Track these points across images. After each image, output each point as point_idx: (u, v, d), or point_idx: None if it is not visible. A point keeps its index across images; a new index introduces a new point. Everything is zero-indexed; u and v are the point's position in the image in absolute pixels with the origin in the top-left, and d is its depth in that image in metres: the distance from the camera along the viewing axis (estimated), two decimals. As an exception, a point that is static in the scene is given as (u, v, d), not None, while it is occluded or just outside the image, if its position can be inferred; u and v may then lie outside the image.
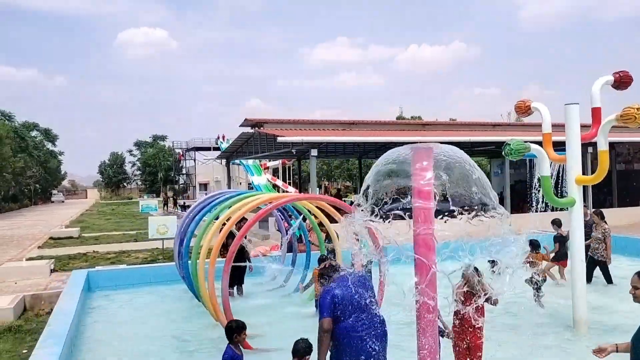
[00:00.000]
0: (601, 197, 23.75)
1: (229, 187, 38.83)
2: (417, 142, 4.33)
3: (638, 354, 4.02)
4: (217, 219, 9.22)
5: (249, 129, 25.22)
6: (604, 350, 4.22)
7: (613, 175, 24.04)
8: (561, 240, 10.89)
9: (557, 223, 11.16)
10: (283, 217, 12.56)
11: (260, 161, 62.61)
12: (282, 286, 11.33)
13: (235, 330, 5.12)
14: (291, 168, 74.66)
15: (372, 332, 4.58)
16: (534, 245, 9.93)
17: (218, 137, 72.77)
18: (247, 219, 9.21)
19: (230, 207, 9.08)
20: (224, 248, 10.34)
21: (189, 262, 9.48)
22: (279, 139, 17.82)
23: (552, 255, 10.90)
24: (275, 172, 68.20)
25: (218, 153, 78.74)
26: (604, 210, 11.80)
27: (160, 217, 19.03)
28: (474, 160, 4.39)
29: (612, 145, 23.00)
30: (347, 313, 4.54)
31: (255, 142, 24.69)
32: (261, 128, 24.14)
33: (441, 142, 4.60)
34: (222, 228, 8.72)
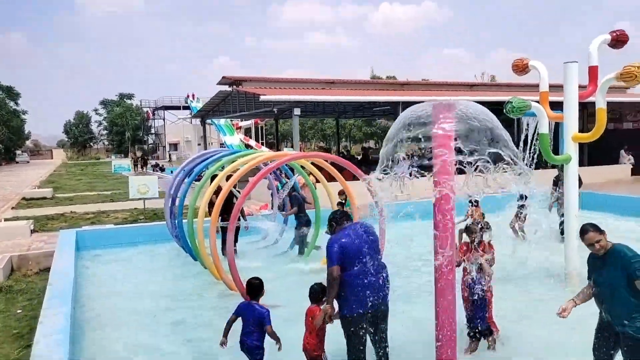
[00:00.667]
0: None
1: (205, 148, 38.32)
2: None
3: (599, 290, 4.48)
4: (213, 178, 9.10)
5: (226, 87, 24.75)
6: (565, 310, 4.56)
7: None
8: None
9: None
10: (275, 177, 12.51)
11: (232, 121, 61.96)
12: (276, 243, 11.37)
13: (261, 287, 5.17)
14: (264, 128, 73.99)
15: (375, 279, 4.89)
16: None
17: (188, 96, 71.27)
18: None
19: (224, 167, 8.98)
20: (212, 206, 10.34)
21: (184, 221, 9.39)
22: (262, 97, 17.54)
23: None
24: (247, 132, 67.51)
25: (188, 112, 77.91)
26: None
27: (140, 177, 18.67)
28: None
29: (584, 105, 23.35)
30: (353, 261, 4.84)
31: (233, 100, 24.28)
32: (240, 86, 23.71)
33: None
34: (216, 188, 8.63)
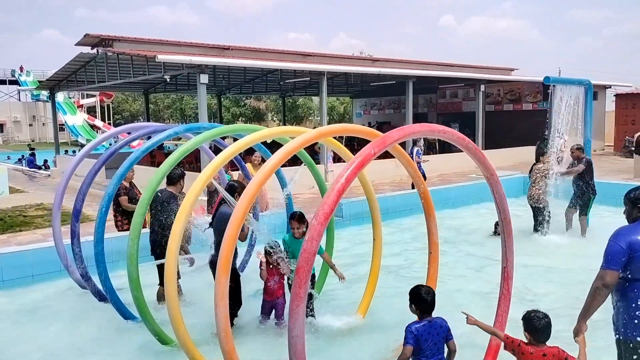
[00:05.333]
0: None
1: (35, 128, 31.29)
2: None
3: None
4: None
5: (89, 49, 19.30)
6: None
7: (479, 116, 23.14)
8: None
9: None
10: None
11: (72, 98, 53.66)
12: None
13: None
14: (110, 107, 65.92)
15: None
16: None
17: (21, 69, 60.53)
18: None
19: (186, 151, 5.01)
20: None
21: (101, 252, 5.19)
22: (160, 57, 13.09)
23: None
24: (90, 110, 59.46)
25: (15, 88, 66.32)
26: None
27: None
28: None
29: (479, 82, 22.44)
30: None
31: (99, 66, 18.98)
32: (110, 47, 18.50)
33: None
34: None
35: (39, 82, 54.65)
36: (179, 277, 6.45)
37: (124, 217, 8.12)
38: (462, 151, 3.94)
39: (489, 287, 6.48)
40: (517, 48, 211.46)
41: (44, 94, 51.85)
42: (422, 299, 3.87)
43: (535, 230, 9.31)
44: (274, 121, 58.13)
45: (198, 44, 20.38)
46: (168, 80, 16.25)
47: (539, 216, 9.15)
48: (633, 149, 19.29)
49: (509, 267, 4.26)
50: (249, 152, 8.38)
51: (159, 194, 6.52)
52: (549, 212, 9.07)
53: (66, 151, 34.00)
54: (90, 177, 5.83)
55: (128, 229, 7.61)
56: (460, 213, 11.89)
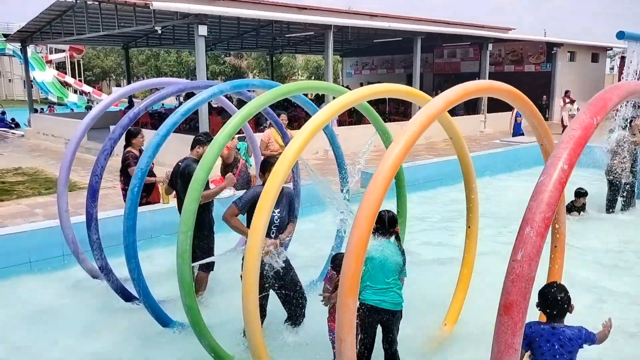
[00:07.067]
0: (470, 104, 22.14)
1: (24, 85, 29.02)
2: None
3: None
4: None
5: (65, -3, 17.39)
6: None
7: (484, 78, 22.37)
8: None
9: None
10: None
11: (39, 53, 50.67)
12: None
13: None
14: (81, 63, 62.74)
15: None
16: None
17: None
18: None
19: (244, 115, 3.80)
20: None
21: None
22: (155, 4, 11.54)
23: None
24: (59, 67, 56.47)
25: (-23, 41, 62.34)
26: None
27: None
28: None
29: (481, 45, 21.38)
30: None
31: (78, 16, 17.15)
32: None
33: None
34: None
35: (4, 35, 51.38)
36: (212, 268, 5.37)
37: (134, 191, 6.89)
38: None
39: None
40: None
41: (10, 47, 48.63)
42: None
43: (609, 209, 8.39)
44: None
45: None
46: (159, 31, 14.62)
47: (617, 193, 8.19)
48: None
49: None
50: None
51: (179, 163, 5.36)
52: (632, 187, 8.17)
53: (42, 109, 31.93)
54: (110, 145, 4.57)
55: (142, 204, 6.44)
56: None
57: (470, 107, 21.62)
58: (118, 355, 4.32)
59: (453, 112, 23.07)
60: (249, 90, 5.35)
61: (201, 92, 4.22)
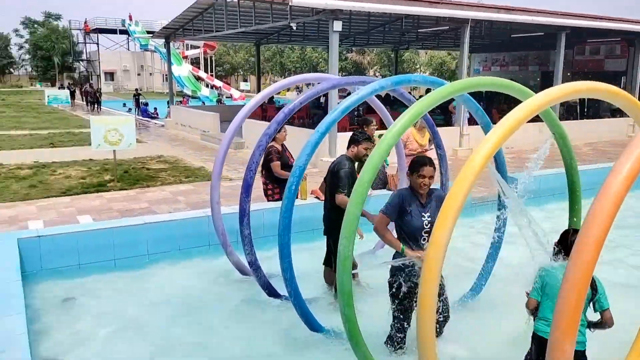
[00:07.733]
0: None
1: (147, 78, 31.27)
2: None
3: None
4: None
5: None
6: None
7: (637, 77, 20.27)
8: None
9: None
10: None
11: (177, 49, 54.34)
12: None
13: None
14: (213, 59, 66.58)
15: None
16: None
17: (127, 19, 62.07)
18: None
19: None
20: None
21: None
22: (295, 0, 11.70)
23: None
24: (193, 62, 60.30)
25: (124, 37, 68.44)
26: None
27: (109, 118, 12.62)
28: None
29: (630, 42, 18.97)
30: None
31: (217, 14, 17.99)
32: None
33: None
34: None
35: (147, 32, 55.82)
36: (354, 266, 5.18)
37: (275, 185, 6.93)
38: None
39: None
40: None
41: (152, 43, 52.87)
42: None
43: None
44: (376, 77, 56.00)
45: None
46: (295, 28, 14.88)
47: None
48: None
49: None
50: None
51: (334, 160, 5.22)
52: None
53: (179, 102, 34.27)
54: (265, 140, 4.55)
55: (279, 199, 6.44)
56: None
57: (617, 109, 19.66)
58: (267, 350, 4.30)
59: (597, 114, 21.23)
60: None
61: (360, 89, 4.03)
